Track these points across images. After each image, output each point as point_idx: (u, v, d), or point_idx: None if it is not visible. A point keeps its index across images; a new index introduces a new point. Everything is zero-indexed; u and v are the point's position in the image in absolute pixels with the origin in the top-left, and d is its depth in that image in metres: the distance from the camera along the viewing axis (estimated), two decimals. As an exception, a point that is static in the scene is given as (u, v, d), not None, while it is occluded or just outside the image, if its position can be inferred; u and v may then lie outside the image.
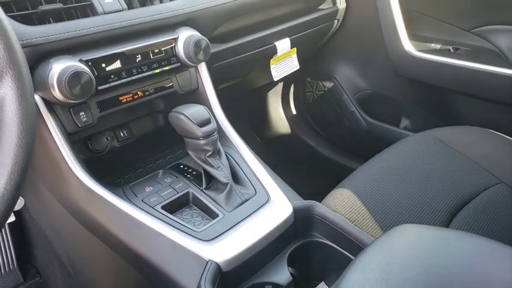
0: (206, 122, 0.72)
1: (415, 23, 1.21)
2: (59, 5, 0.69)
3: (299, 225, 0.72)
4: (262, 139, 1.68)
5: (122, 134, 0.86)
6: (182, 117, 0.71)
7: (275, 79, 1.17)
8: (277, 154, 1.64)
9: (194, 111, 0.72)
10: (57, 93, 0.63)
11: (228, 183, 0.71)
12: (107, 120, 0.79)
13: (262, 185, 0.74)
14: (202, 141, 0.71)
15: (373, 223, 0.78)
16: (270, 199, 0.72)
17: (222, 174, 0.71)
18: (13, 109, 0.42)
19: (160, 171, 0.78)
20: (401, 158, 0.96)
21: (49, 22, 0.69)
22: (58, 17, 0.70)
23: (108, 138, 0.83)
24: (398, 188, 0.87)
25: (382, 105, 1.40)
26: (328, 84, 1.46)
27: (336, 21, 1.31)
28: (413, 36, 1.23)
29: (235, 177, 0.75)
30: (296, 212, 0.71)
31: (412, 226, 0.64)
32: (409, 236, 0.60)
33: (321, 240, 0.72)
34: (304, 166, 1.63)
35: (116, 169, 0.80)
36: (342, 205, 0.81)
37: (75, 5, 0.71)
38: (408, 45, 1.21)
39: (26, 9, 0.66)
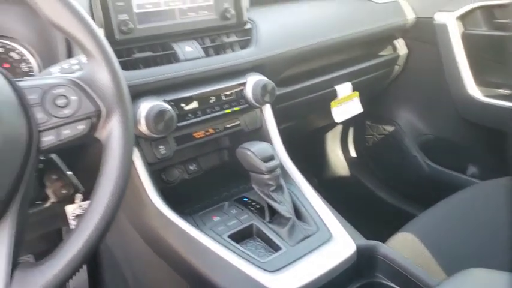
0: (270, 158, 0.78)
1: (482, 69, 1.23)
2: (149, 53, 0.81)
3: (362, 264, 0.74)
4: (320, 180, 1.71)
5: (191, 168, 0.95)
6: (249, 152, 0.79)
7: (337, 121, 1.23)
8: (335, 196, 1.65)
9: (259, 147, 0.79)
10: (143, 128, 0.74)
11: (291, 218, 0.76)
12: (180, 155, 0.89)
13: (323, 222, 0.78)
14: (266, 176, 0.77)
15: (438, 268, 0.78)
16: (332, 236, 0.75)
17: (284, 209, 0.77)
18: (118, 138, 0.52)
19: (226, 202, 0.85)
20: (469, 205, 0.95)
21: (139, 68, 0.81)
22: (147, 63, 0.82)
23: (180, 170, 0.93)
24: (466, 236, 0.86)
25: (447, 150, 1.39)
26: (390, 128, 1.49)
27: (396, 66, 1.36)
28: (480, 81, 1.24)
29: (297, 213, 0.80)
30: (359, 251, 0.73)
31: (482, 270, 0.64)
32: (478, 280, 0.60)
33: (384, 281, 0.74)
34: (362, 209, 1.63)
35: (185, 199, 0.88)
36: (404, 249, 0.82)
37: (161, 53, 0.83)
38: (474, 90, 1.22)
39: (122, 57, 0.79)
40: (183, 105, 0.81)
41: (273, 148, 0.82)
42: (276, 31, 1.00)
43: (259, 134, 0.95)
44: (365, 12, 1.22)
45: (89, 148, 0.76)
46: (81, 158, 0.75)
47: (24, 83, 0.50)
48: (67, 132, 0.50)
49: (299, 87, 1.10)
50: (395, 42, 1.34)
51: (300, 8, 1.11)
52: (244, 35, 0.94)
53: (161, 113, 0.73)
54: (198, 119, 0.83)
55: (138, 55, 0.80)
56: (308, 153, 1.68)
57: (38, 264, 0.47)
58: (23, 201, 0.47)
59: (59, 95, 0.50)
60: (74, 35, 0.50)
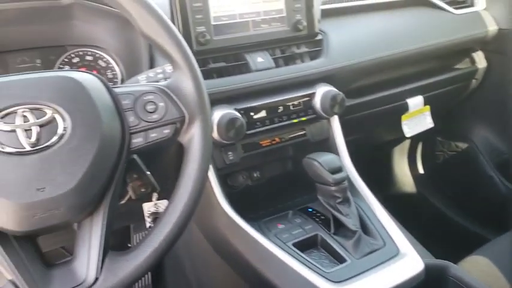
0: (337, 170, 0.80)
1: None
2: (223, 64, 0.87)
3: (430, 284, 0.72)
4: (385, 195, 1.67)
5: (255, 175, 0.99)
6: (316, 163, 0.81)
7: (407, 135, 1.21)
8: (400, 212, 1.61)
9: (327, 158, 0.81)
10: (215, 135, 0.79)
11: (357, 231, 0.76)
12: (245, 161, 0.93)
13: (391, 237, 0.77)
14: (333, 188, 0.79)
15: None
16: (399, 252, 0.75)
17: (350, 221, 0.77)
18: (199, 143, 0.56)
19: (290, 211, 0.87)
20: None
21: (213, 77, 0.86)
22: (220, 72, 0.87)
23: (244, 177, 0.97)
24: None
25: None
26: (463, 145, 1.43)
27: (474, 80, 1.31)
28: None
29: (364, 227, 0.80)
30: (428, 269, 0.72)
31: None
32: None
33: None
34: (429, 228, 1.57)
35: (248, 205, 0.91)
36: (478, 272, 0.79)
37: (234, 63, 0.88)
38: None
39: (199, 67, 0.85)
40: (252, 113, 0.85)
41: (340, 160, 0.83)
42: (347, 42, 1.01)
43: (325, 145, 0.97)
44: (441, 23, 1.19)
45: (165, 151, 0.82)
46: (157, 159, 0.81)
47: (119, 89, 0.56)
48: (154, 135, 0.56)
49: (369, 99, 1.10)
50: (474, 54, 1.29)
51: (372, 19, 1.12)
52: (314, 45, 0.97)
53: (232, 120, 0.78)
54: (266, 127, 0.87)
55: (212, 65, 0.86)
56: (374, 167, 1.66)
57: (124, 254, 0.53)
58: (114, 196, 0.53)
59: (149, 101, 0.56)
60: (163, 47, 0.56)
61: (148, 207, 0.79)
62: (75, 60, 0.88)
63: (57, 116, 0.49)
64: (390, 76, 1.17)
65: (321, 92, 0.90)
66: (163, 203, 0.79)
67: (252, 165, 0.98)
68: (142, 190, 0.76)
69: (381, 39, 1.06)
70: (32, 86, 0.49)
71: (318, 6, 0.96)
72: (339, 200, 0.79)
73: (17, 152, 0.47)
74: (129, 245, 1.24)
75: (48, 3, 0.77)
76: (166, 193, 0.79)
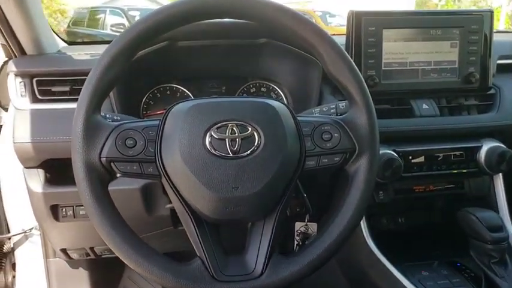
0: (498, 229, 0.79)
1: None
2: (387, 106, 0.94)
3: None
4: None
5: (399, 220, 1.02)
6: (473, 218, 0.81)
7: None
8: None
9: (487, 215, 0.81)
10: None
11: (514, 297, 0.74)
12: (392, 205, 0.96)
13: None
14: (490, 246, 0.78)
15: None
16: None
17: (506, 285, 0.75)
18: (364, 175, 0.64)
19: (436, 262, 0.88)
20: None
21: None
22: (382, 114, 0.93)
23: (387, 220, 1.01)
24: None
25: None
26: None
27: None
28: None
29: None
30: None
31: None
32: None
33: None
34: None
35: (387, 246, 0.94)
36: None
37: (398, 107, 0.95)
38: None
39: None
40: (410, 157, 0.89)
41: (501, 219, 0.82)
42: (522, 99, 0.99)
43: (483, 202, 0.95)
44: None
45: (320, 180, 0.92)
46: (310, 186, 0.91)
47: (301, 118, 0.68)
48: (325, 161, 0.66)
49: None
50: None
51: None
52: (485, 99, 0.97)
53: (390, 161, 0.84)
54: (422, 173, 0.90)
55: (376, 107, 0.93)
56: None
57: (286, 257, 0.63)
58: (284, 206, 0.64)
59: (325, 131, 0.66)
60: (346, 85, 0.65)
61: (299, 226, 0.89)
62: (252, 90, 1.05)
63: (255, 133, 0.62)
64: None
65: (488, 146, 0.90)
66: (313, 226, 0.88)
67: (398, 210, 1.01)
68: (298, 209, 0.87)
69: None
70: (241, 107, 0.64)
71: (494, 61, 0.97)
72: (495, 260, 0.78)
73: (222, 155, 0.61)
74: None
75: (247, 41, 0.96)
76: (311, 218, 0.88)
